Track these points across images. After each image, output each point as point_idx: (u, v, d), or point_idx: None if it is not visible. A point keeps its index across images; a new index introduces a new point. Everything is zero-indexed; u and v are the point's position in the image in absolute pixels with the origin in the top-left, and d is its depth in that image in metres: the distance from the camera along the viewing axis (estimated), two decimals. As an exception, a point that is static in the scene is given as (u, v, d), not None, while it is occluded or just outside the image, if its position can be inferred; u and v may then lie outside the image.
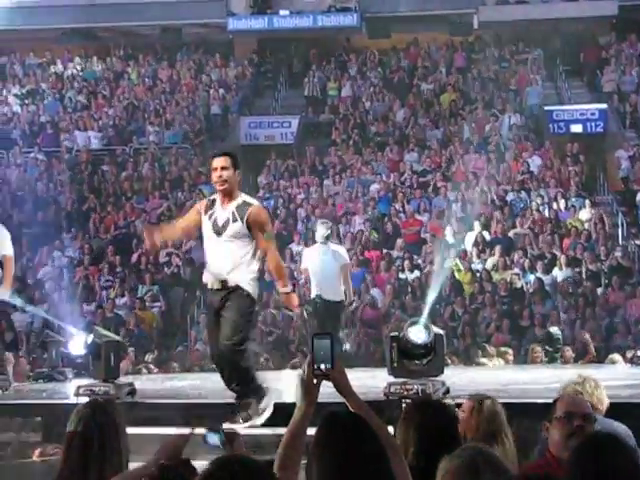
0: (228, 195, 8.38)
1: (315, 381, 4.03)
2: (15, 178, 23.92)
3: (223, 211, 8.38)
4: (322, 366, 3.99)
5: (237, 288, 8.28)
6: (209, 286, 8.50)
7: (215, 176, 8.39)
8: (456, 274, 18.30)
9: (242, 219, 8.26)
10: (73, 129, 25.64)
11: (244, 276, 8.31)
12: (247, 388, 8.30)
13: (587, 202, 20.32)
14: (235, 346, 8.16)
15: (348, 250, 19.28)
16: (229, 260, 8.31)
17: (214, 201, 8.49)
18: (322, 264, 13.03)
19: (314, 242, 19.70)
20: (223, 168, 8.33)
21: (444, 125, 24.16)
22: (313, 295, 13.06)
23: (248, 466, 3.21)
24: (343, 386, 4.10)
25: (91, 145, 25.20)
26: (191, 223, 8.90)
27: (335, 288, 12.92)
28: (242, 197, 8.45)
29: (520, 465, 4.92)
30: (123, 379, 9.31)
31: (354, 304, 17.49)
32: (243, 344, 8.27)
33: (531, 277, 17.97)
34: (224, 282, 8.32)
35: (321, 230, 13.34)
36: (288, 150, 24.67)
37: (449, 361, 13.55)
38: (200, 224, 8.60)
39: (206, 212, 8.48)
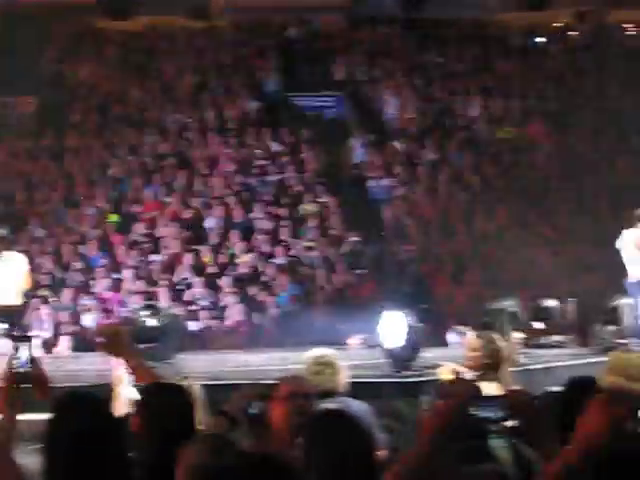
0: None
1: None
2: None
3: None
4: (21, 369, 4.00)
5: None
6: None
7: None
8: (203, 258, 18.61)
9: None
10: None
11: None
12: None
13: (323, 188, 20.92)
14: None
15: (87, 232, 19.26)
16: None
17: None
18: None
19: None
20: None
21: (184, 109, 24.07)
22: None
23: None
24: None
25: None
26: None
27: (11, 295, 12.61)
28: None
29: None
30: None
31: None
32: None
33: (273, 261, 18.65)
34: None
35: None
36: (27, 130, 23.93)
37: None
38: None
39: None
